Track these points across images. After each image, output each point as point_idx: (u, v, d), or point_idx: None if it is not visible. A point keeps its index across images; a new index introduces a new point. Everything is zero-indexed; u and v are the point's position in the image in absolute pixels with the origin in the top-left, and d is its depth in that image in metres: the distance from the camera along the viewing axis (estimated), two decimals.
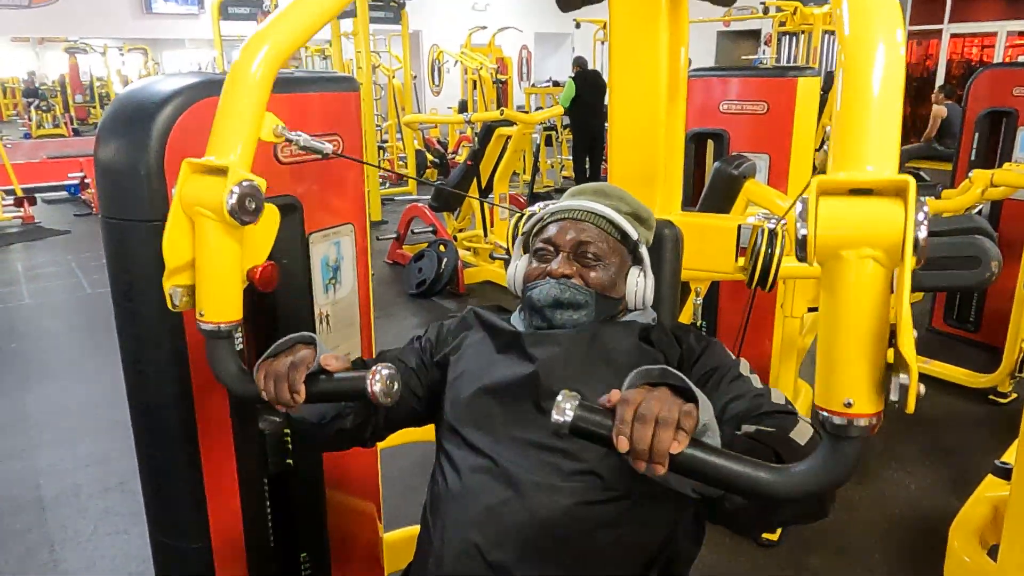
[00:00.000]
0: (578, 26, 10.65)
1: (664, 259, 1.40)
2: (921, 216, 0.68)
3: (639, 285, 1.26)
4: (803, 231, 0.71)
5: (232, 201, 1.00)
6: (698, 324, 1.99)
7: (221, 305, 1.09)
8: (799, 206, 0.71)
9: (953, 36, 12.12)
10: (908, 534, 2.49)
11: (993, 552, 1.63)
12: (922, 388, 0.71)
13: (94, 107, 15.22)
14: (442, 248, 5.17)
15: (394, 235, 5.96)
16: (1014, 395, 3.42)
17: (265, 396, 1.03)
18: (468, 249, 5.64)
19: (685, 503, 1.13)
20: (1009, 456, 2.02)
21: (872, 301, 0.71)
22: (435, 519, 1.19)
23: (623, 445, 0.78)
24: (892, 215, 0.69)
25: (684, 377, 0.83)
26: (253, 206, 1.02)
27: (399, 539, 1.98)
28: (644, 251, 1.29)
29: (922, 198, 0.69)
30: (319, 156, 1.24)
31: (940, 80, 11.83)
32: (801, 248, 0.71)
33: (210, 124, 1.22)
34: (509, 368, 1.20)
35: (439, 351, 1.33)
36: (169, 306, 1.09)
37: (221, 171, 1.02)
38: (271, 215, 1.12)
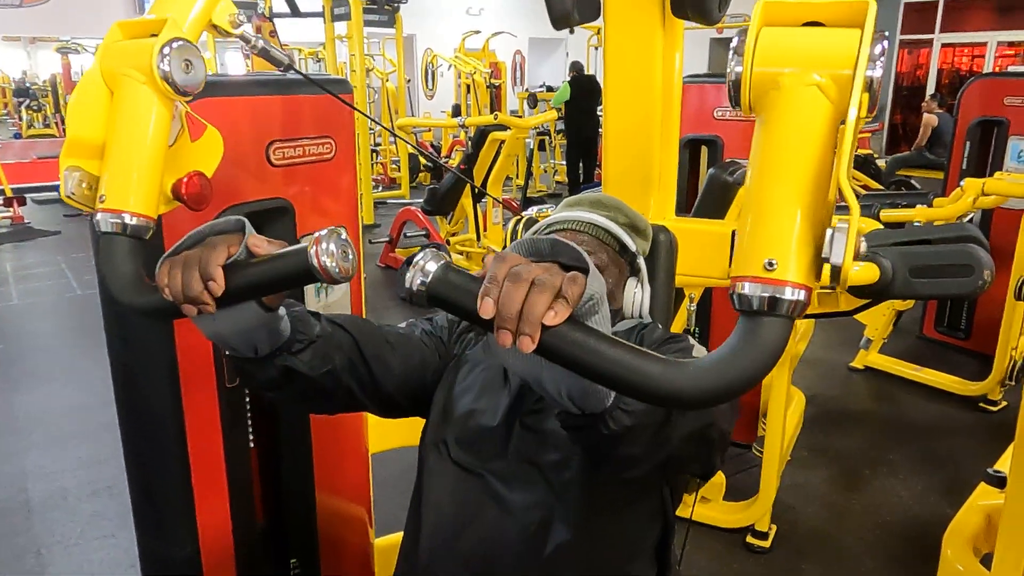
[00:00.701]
0: (572, 31, 10.68)
1: (658, 265, 1.40)
2: (877, 50, 0.59)
3: (637, 296, 1.25)
4: (738, 67, 0.61)
5: (166, 57, 0.83)
6: (692, 330, 1.98)
7: (131, 190, 0.86)
8: (735, 39, 0.62)
9: (944, 46, 12.21)
10: (901, 541, 2.49)
11: (986, 560, 1.63)
12: (863, 245, 0.61)
13: None
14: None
15: (387, 239, 5.94)
16: (1004, 403, 3.43)
17: (168, 295, 0.77)
18: (461, 253, 5.63)
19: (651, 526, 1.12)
20: (1001, 464, 2.02)
21: (812, 138, 0.60)
22: (419, 539, 1.17)
23: (487, 308, 0.61)
24: (845, 40, 0.59)
25: (581, 251, 0.67)
26: (191, 72, 0.85)
27: (390, 545, 1.96)
28: (641, 262, 1.28)
29: (883, 31, 0.60)
30: (265, 56, 1.07)
31: (931, 89, 11.90)
32: (735, 89, 0.62)
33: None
34: (500, 386, 1.17)
35: (449, 348, 1.25)
36: (62, 194, 0.88)
37: (158, 23, 0.86)
38: (213, 138, 0.97)
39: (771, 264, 0.59)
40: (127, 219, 0.86)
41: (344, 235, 0.74)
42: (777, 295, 0.59)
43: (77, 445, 3.14)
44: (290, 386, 0.97)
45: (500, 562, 1.08)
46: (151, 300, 0.82)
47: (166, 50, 0.83)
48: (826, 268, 0.60)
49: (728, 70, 0.62)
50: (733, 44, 0.63)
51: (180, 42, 0.84)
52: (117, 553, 2.45)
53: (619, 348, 0.61)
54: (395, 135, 4.70)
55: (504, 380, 1.17)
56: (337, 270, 0.73)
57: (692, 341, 1.06)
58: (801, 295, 0.59)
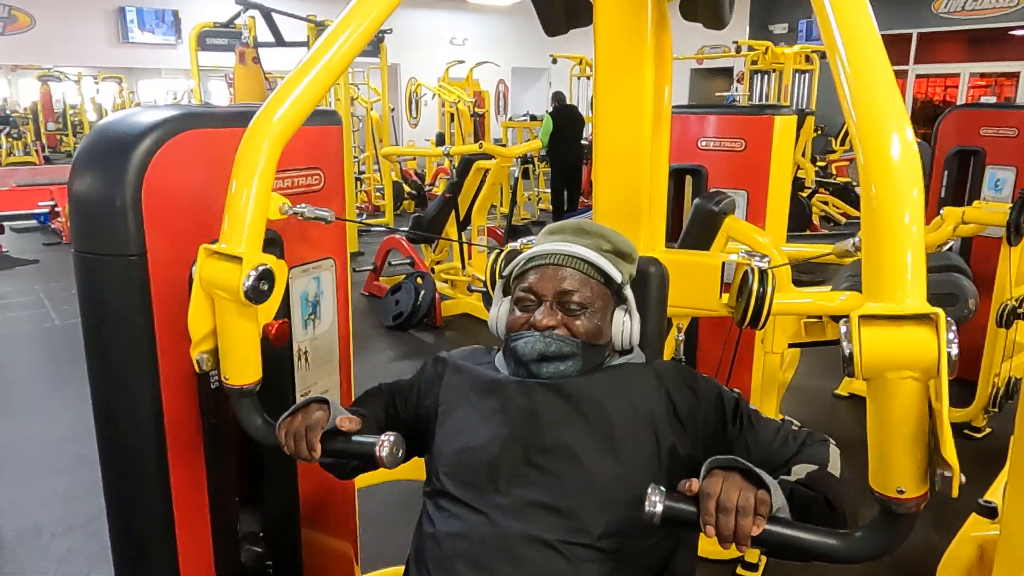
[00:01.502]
0: (555, 61, 10.78)
1: (650, 297, 1.40)
2: (951, 336, 0.79)
3: (625, 326, 1.24)
4: (848, 350, 0.82)
5: (248, 285, 1.11)
6: (679, 359, 1.98)
7: (243, 369, 1.22)
8: (843, 328, 0.83)
9: (919, 76, 12.48)
10: (891, 572, 2.47)
11: None
12: (963, 478, 0.83)
13: (66, 135, 15.06)
14: (419, 280, 5.14)
15: (371, 267, 5.92)
16: (989, 429, 3.44)
17: (286, 451, 1.15)
18: (446, 281, 5.61)
19: (672, 543, 1.19)
20: (991, 494, 2.02)
21: (913, 411, 0.83)
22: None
23: (711, 533, 0.91)
24: (926, 342, 0.80)
25: (750, 465, 0.94)
26: (266, 287, 1.13)
27: None
28: (628, 290, 1.27)
29: (951, 320, 0.80)
30: (314, 218, 1.30)
31: None
32: (848, 364, 0.82)
33: (190, 158, 1.20)
34: (498, 422, 1.18)
35: (423, 399, 1.32)
36: (196, 370, 1.22)
37: (236, 258, 1.12)
38: (280, 270, 1.18)
39: (901, 491, 0.88)
40: (244, 388, 1.24)
41: (397, 438, 1.11)
42: (907, 504, 0.88)
43: (53, 479, 3.06)
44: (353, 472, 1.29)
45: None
46: (275, 441, 1.17)
47: (247, 282, 1.12)
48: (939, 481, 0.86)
49: (842, 347, 0.83)
50: (843, 331, 0.83)
51: (257, 270, 1.12)
52: None
53: (804, 532, 0.93)
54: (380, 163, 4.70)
55: (504, 415, 1.18)
56: (388, 463, 1.11)
57: (826, 437, 1.28)
58: (921, 504, 0.88)
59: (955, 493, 0.83)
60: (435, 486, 1.21)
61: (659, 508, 0.94)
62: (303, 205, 1.27)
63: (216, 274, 1.15)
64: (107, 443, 1.28)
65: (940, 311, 0.79)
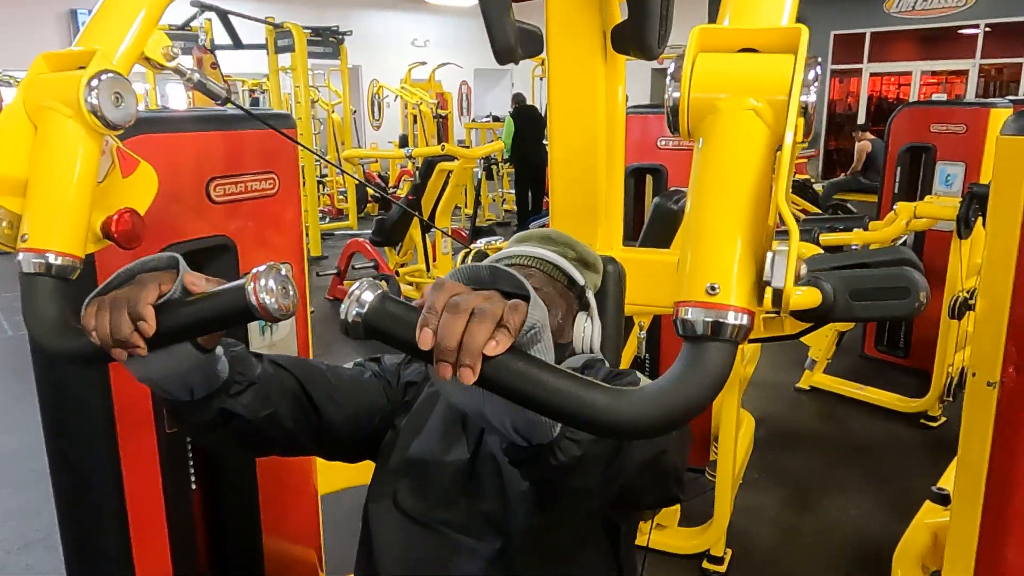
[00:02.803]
0: (516, 64, 10.83)
1: (607, 295, 1.40)
2: (811, 75, 0.60)
3: (586, 331, 1.24)
4: (675, 93, 0.63)
5: (95, 90, 0.80)
6: (642, 357, 1.99)
7: (56, 228, 0.81)
8: (672, 65, 0.63)
9: (873, 75, 12.75)
10: (852, 561, 2.52)
11: None
12: (803, 267, 0.61)
13: None
14: (384, 283, 5.10)
15: (335, 271, 5.86)
16: (944, 419, 3.53)
17: (96, 338, 0.73)
18: (410, 284, 5.59)
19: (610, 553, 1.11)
20: (944, 482, 2.08)
21: (749, 162, 0.61)
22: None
23: (426, 339, 0.59)
24: (780, 66, 0.61)
25: (521, 278, 0.68)
26: (121, 105, 0.82)
27: None
28: (591, 296, 1.28)
29: (816, 57, 0.62)
30: (201, 91, 1.05)
31: (862, 114, 12.40)
32: (673, 115, 0.63)
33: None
34: (445, 433, 1.14)
35: (397, 392, 1.22)
36: None
37: (86, 55, 0.83)
38: (146, 174, 0.94)
39: (713, 288, 0.59)
40: (51, 259, 0.80)
41: (284, 271, 0.71)
42: (720, 319, 0.59)
43: (9, 495, 2.99)
44: (226, 429, 0.92)
45: None
46: (78, 344, 0.77)
47: (94, 83, 0.79)
48: (768, 292, 0.60)
49: (666, 96, 0.64)
50: (670, 70, 0.64)
51: (109, 74, 0.81)
52: None
53: (562, 377, 0.60)
54: (342, 171, 4.66)
55: (463, 426, 1.15)
56: (277, 307, 0.69)
57: (640, 376, 1.06)
58: (744, 319, 0.59)
59: (788, 287, 0.59)
60: (381, 493, 1.15)
61: (364, 307, 0.62)
62: (193, 69, 1.05)
63: (52, 83, 0.83)
64: (58, 458, 1.25)
65: (803, 28, 0.62)
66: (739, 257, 0.59)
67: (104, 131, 0.83)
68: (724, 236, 0.60)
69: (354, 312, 0.62)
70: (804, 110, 0.60)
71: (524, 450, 0.74)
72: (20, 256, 0.81)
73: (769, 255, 0.60)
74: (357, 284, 0.64)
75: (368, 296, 0.63)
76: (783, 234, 0.63)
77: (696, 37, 0.63)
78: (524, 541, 1.04)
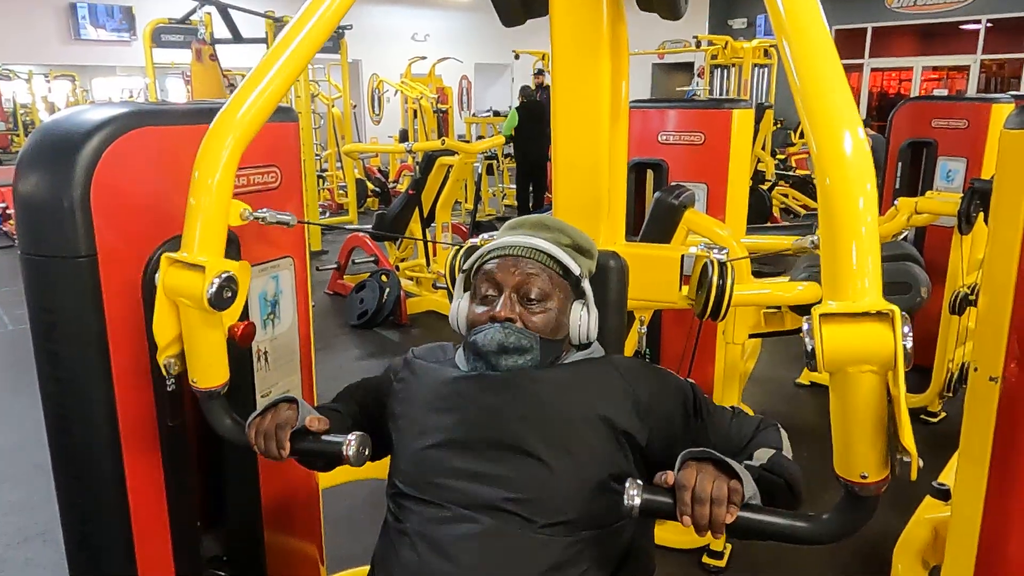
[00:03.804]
0: (517, 57, 10.76)
1: (610, 290, 1.40)
2: (906, 330, 0.83)
3: (582, 320, 1.25)
4: (811, 346, 0.86)
5: (211, 293, 1.11)
6: (643, 352, 1.99)
7: (211, 372, 1.23)
8: (806, 325, 0.87)
9: (874, 70, 12.73)
10: (853, 556, 2.52)
11: (936, 572, 1.67)
12: (921, 462, 0.87)
13: (17, 135, 14.65)
14: (384, 278, 5.10)
15: (335, 265, 5.86)
16: (943, 414, 3.53)
17: (256, 450, 1.17)
18: (410, 279, 5.58)
19: (642, 526, 1.25)
20: (945, 477, 2.08)
21: (873, 401, 0.88)
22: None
23: (687, 523, 0.95)
24: (883, 337, 0.84)
25: (722, 456, 0.99)
26: (229, 294, 1.14)
27: None
28: (587, 284, 1.28)
29: (905, 315, 0.84)
30: (276, 223, 1.29)
31: (863, 110, 12.39)
32: (811, 359, 0.86)
33: (140, 156, 1.18)
34: (455, 421, 1.19)
35: (387, 398, 1.33)
36: (164, 374, 1.23)
37: (199, 266, 1.12)
38: (243, 273, 1.18)
39: (865, 476, 0.93)
40: (212, 390, 1.24)
41: (364, 438, 1.15)
42: (869, 488, 0.94)
43: (9, 489, 2.98)
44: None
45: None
46: (245, 440, 1.19)
47: (211, 290, 1.12)
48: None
49: (805, 343, 0.87)
50: (806, 328, 0.88)
51: (220, 278, 1.13)
52: None
53: (774, 516, 0.98)
54: (342, 158, 4.65)
55: (460, 413, 1.19)
56: (354, 462, 1.14)
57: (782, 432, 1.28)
58: (883, 487, 0.93)
59: (914, 476, 0.88)
60: (396, 488, 1.21)
61: (637, 501, 0.97)
62: (265, 210, 1.26)
63: (179, 282, 1.14)
64: (60, 451, 1.25)
65: (895, 308, 0.84)
66: (876, 455, 0.92)
67: (219, 313, 1.16)
68: (865, 446, 0.91)
69: (631, 505, 0.98)
70: (906, 357, 0.84)
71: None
72: (198, 390, 1.24)
73: (898, 459, 0.90)
74: (628, 482, 0.99)
75: (635, 492, 0.98)
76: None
77: (816, 315, 0.87)
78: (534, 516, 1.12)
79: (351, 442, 1.13)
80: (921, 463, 0.87)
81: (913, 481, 0.90)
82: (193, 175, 1.15)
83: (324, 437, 1.17)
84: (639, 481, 0.98)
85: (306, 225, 1.47)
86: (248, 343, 1.30)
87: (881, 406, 0.88)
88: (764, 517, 0.97)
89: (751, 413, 1.31)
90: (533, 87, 9.13)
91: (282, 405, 1.19)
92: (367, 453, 1.15)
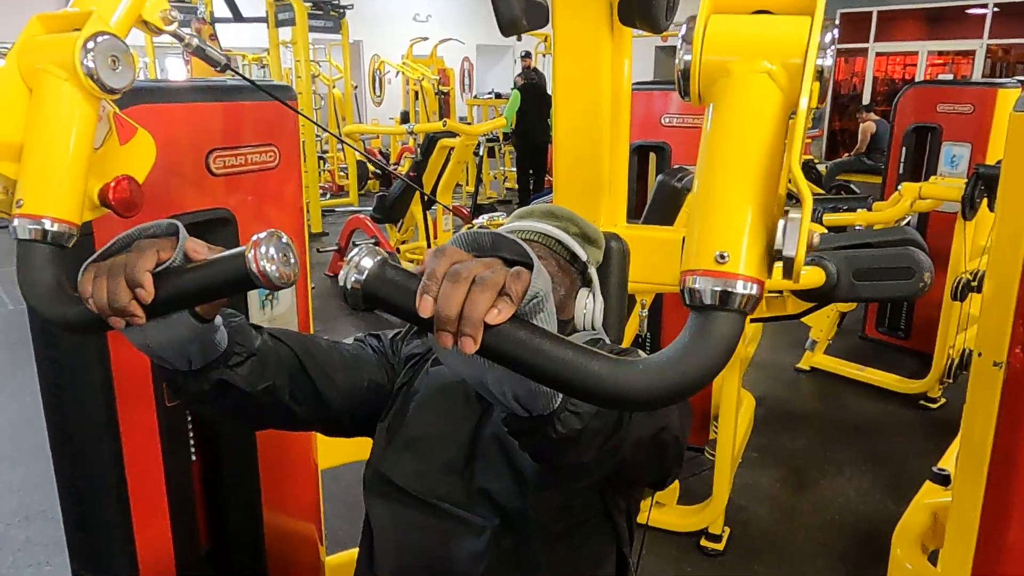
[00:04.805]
0: (520, 39, 10.72)
1: (611, 272, 1.39)
2: (828, 38, 0.58)
3: (588, 307, 1.23)
4: (687, 56, 0.61)
5: (91, 53, 0.77)
6: (644, 336, 1.99)
7: (52, 194, 0.79)
8: (683, 28, 0.61)
9: (878, 55, 12.64)
10: (850, 540, 2.54)
11: (933, 557, 1.67)
12: (815, 237, 0.59)
13: None
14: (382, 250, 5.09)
15: (335, 247, 5.85)
16: (943, 400, 3.54)
17: (93, 305, 0.71)
18: (411, 261, 5.57)
19: (610, 533, 1.11)
20: (944, 462, 2.08)
21: (762, 126, 0.59)
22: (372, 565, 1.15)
23: (426, 307, 0.58)
24: (795, 28, 0.59)
25: (524, 246, 0.66)
26: (118, 69, 0.80)
27: (342, 562, 1.92)
28: (593, 272, 1.27)
29: (832, 19, 0.60)
30: (203, 58, 1.03)
31: (867, 94, 12.31)
32: (684, 78, 0.61)
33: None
34: (443, 411, 1.14)
35: (396, 369, 1.21)
36: None
37: (83, 15, 0.81)
38: (144, 141, 0.92)
39: (723, 257, 0.57)
40: (47, 225, 0.78)
41: (285, 238, 0.69)
42: (729, 288, 0.57)
43: (8, 468, 3.00)
44: (224, 400, 0.91)
45: None
46: (75, 312, 0.75)
47: (90, 44, 0.77)
48: (777, 266, 0.59)
49: (677, 59, 0.62)
50: (681, 32, 0.63)
51: (106, 36, 0.78)
52: None
53: (565, 347, 0.58)
54: (342, 141, 4.63)
55: (465, 402, 1.13)
56: (278, 275, 0.67)
57: (641, 353, 1.05)
58: (754, 288, 0.57)
59: (799, 257, 0.58)
60: (376, 474, 1.15)
61: (363, 275, 0.60)
62: (191, 33, 1.03)
63: (47, 45, 0.81)
64: (58, 431, 1.25)
65: None
66: (750, 225, 0.57)
67: (101, 95, 0.80)
68: (734, 203, 0.58)
69: (352, 278, 0.60)
70: (820, 74, 0.58)
71: (524, 420, 0.73)
72: (15, 222, 0.79)
73: (781, 223, 0.58)
74: (356, 250, 0.62)
75: (368, 262, 0.60)
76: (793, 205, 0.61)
77: (707, 1, 0.62)
78: (524, 518, 1.04)
79: (261, 243, 0.67)
80: (816, 239, 0.59)
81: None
82: None
83: (210, 258, 0.72)
84: (380, 249, 0.62)
85: (305, 206, 1.45)
86: (131, 210, 0.91)
87: (772, 140, 0.59)
88: (545, 340, 0.58)
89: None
90: (523, 68, 9.11)
91: (144, 239, 0.74)
92: (293, 262, 0.69)
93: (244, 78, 1.31)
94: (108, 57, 0.79)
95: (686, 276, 0.59)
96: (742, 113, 0.59)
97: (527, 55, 9.94)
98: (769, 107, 0.59)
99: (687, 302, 0.59)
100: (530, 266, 0.62)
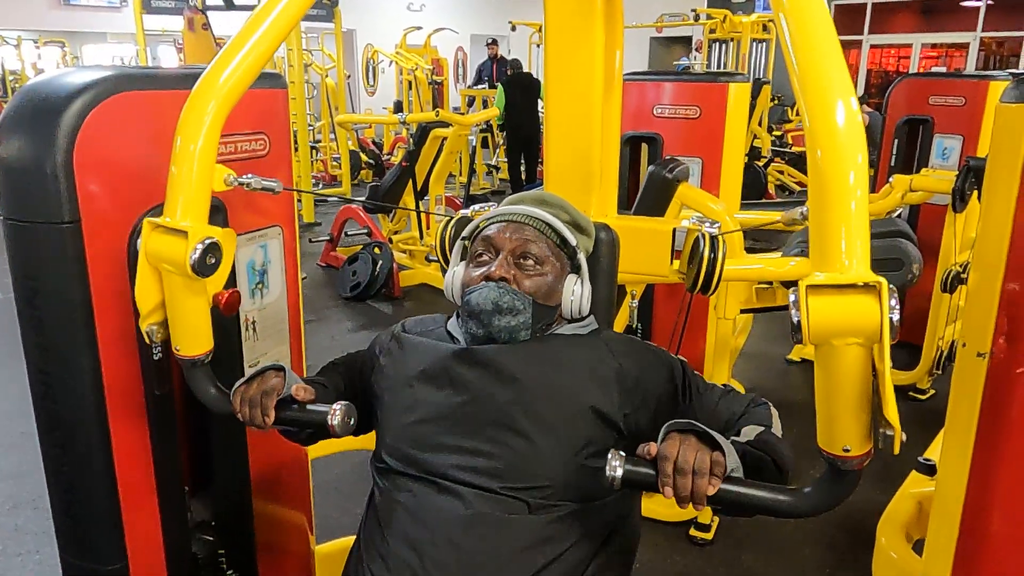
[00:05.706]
0: (513, 29, 10.67)
1: (600, 262, 1.40)
2: (893, 303, 0.82)
3: (576, 293, 1.24)
4: (797, 318, 0.85)
5: (194, 259, 1.09)
6: (634, 326, 1.99)
7: (195, 340, 1.21)
8: (792, 297, 0.86)
9: (873, 47, 12.64)
10: (837, 530, 2.55)
11: (918, 547, 1.69)
12: (904, 436, 0.87)
13: (5, 101, 14.51)
14: (377, 250, 5.09)
15: (327, 237, 5.84)
16: (933, 391, 3.55)
17: (240, 418, 1.16)
18: (403, 251, 5.57)
19: (629, 500, 1.22)
20: (931, 452, 2.09)
21: (858, 374, 0.87)
22: (375, 549, 1.17)
23: (669, 495, 0.94)
24: (869, 309, 0.82)
25: (705, 427, 0.98)
26: (213, 260, 1.11)
27: (333, 551, 1.92)
28: (583, 259, 1.28)
29: (893, 288, 0.83)
30: (266, 191, 1.26)
31: (861, 86, 12.32)
32: (796, 331, 0.85)
33: (125, 121, 1.16)
34: (443, 396, 1.19)
35: (371, 373, 1.33)
36: (147, 341, 1.21)
37: (181, 231, 1.09)
38: (228, 240, 1.15)
39: (847, 449, 0.91)
40: (198, 357, 1.22)
41: (353, 409, 1.15)
42: (852, 462, 0.92)
43: None
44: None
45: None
46: (229, 409, 1.19)
47: (194, 255, 1.09)
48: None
49: (791, 315, 0.86)
50: (791, 299, 0.86)
51: (205, 241, 1.10)
52: (42, 570, 2.34)
53: (756, 489, 0.98)
54: (335, 128, 4.61)
55: (449, 388, 1.20)
56: (340, 432, 1.14)
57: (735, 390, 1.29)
58: (864, 458, 0.92)
59: (896, 450, 0.87)
60: (382, 462, 1.21)
61: (619, 472, 0.97)
62: (249, 176, 1.22)
63: (162, 248, 1.12)
64: (46, 419, 1.24)
65: (883, 280, 0.82)
66: (859, 428, 0.90)
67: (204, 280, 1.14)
68: (848, 420, 0.90)
69: (613, 476, 0.97)
70: (892, 330, 0.83)
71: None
72: (182, 358, 1.22)
73: (881, 433, 0.89)
74: (611, 454, 0.98)
75: (618, 463, 0.98)
76: None
77: (804, 287, 0.85)
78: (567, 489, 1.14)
79: (336, 411, 1.13)
80: (904, 437, 0.87)
81: (897, 455, 0.87)
82: (175, 141, 1.12)
83: (309, 407, 1.16)
84: (621, 452, 0.98)
85: (295, 194, 1.45)
86: (233, 311, 1.28)
87: (865, 380, 0.87)
88: (746, 490, 0.97)
89: (743, 391, 1.31)
90: (488, 58, 9.07)
91: (269, 373, 1.18)
92: (352, 423, 1.14)
93: None
94: (206, 257, 1.11)
95: (825, 452, 0.94)
96: (844, 370, 0.87)
97: (493, 42, 9.88)
98: (860, 361, 0.87)
99: (830, 466, 0.95)
100: (720, 447, 0.97)
